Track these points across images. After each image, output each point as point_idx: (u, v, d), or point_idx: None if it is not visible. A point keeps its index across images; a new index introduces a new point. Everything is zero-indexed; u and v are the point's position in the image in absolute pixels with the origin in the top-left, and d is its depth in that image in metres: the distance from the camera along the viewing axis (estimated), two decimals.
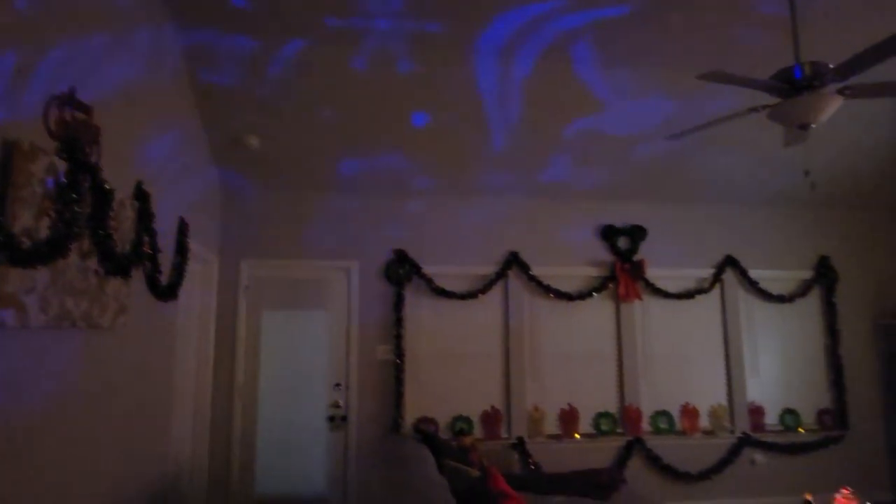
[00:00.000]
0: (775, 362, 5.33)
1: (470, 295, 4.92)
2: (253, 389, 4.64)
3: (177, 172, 3.63)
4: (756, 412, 5.18)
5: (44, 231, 1.96)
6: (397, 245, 4.92)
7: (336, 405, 4.70)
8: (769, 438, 5.11)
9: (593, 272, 5.16)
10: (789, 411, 5.23)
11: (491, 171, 4.80)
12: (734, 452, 5.04)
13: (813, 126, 2.48)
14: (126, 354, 2.84)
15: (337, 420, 4.68)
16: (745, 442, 5.06)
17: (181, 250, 3.46)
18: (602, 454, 4.89)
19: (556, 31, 3.48)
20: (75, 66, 2.27)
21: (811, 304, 5.43)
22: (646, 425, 5.04)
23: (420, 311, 4.91)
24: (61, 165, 2.06)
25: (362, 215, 4.94)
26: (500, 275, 5.00)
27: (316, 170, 4.65)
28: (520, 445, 4.80)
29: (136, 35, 2.89)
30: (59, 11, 2.18)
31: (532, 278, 5.03)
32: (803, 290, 5.39)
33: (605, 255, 5.19)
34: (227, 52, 3.51)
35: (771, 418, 5.21)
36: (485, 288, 4.95)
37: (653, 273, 5.15)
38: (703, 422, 5.11)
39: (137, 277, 2.87)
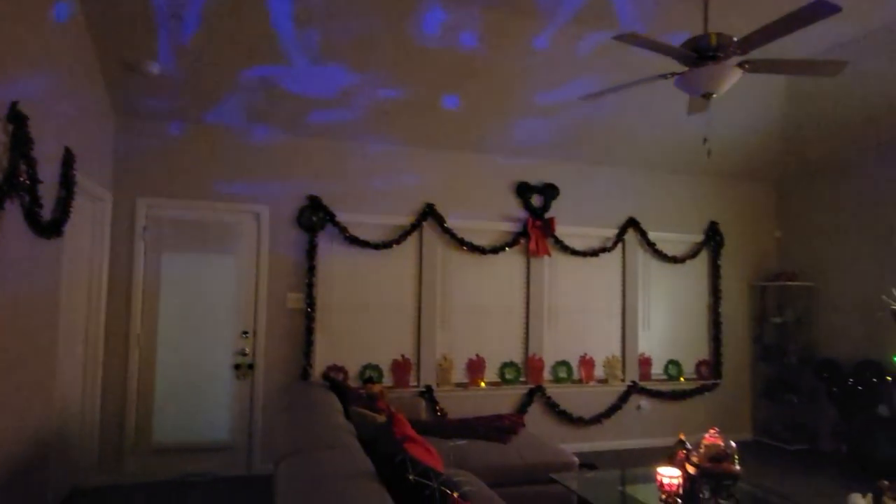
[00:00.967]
0: (664, 318, 5.79)
1: (384, 245, 4.89)
2: (151, 336, 4.41)
3: (63, 98, 3.27)
4: (645, 363, 5.64)
5: None
6: (311, 191, 4.77)
7: (243, 353, 4.59)
8: (654, 386, 5.60)
9: (506, 227, 5.29)
10: (673, 362, 5.74)
11: (410, 121, 4.72)
12: (623, 399, 5.48)
13: (714, 96, 2.63)
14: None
15: (244, 368, 4.58)
16: (633, 389, 5.52)
17: (67, 183, 3.16)
18: (506, 401, 5.15)
19: None
20: None
21: (699, 265, 5.91)
22: (547, 374, 5.35)
23: (333, 259, 4.83)
24: None
25: (275, 158, 4.72)
26: (416, 226, 5.01)
27: (224, 105, 4.35)
28: (428, 393, 4.94)
29: None
30: None
31: (447, 230, 5.08)
32: (694, 253, 5.85)
33: (518, 212, 5.33)
34: None
35: (657, 368, 5.70)
36: (400, 238, 4.94)
37: (562, 231, 5.36)
38: (599, 371, 5.50)
39: (14, 211, 2.59)
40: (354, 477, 1.78)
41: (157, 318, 4.43)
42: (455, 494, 1.75)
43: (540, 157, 5.37)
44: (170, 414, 4.42)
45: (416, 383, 4.98)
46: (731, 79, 2.54)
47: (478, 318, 5.22)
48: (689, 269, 5.86)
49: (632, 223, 5.64)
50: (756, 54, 2.73)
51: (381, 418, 2.93)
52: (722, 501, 2.69)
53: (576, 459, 3.77)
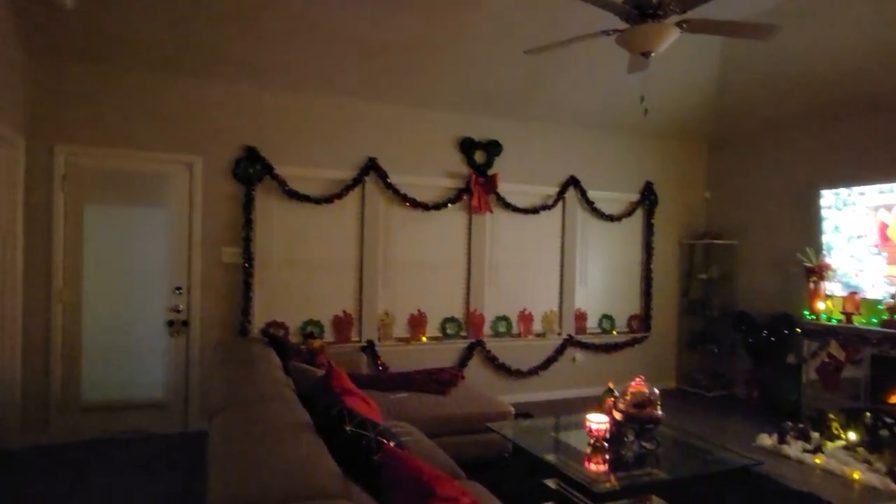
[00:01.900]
0: (600, 274, 6.01)
1: (326, 199, 4.79)
2: (76, 292, 4.19)
3: None
4: (580, 317, 5.86)
5: None
6: (248, 142, 4.57)
7: (177, 309, 4.44)
8: (589, 340, 5.85)
9: (449, 183, 5.27)
10: (607, 316, 6.00)
11: (354, 72, 4.56)
12: (559, 352, 5.71)
13: (653, 55, 2.67)
14: None
15: (177, 325, 4.44)
16: (569, 343, 5.74)
17: None
18: (447, 355, 5.26)
19: None
20: None
21: (634, 223, 6.13)
22: (487, 329, 5.48)
23: (271, 213, 4.69)
24: None
25: (209, 106, 4.47)
26: (358, 180, 4.91)
27: (152, 44, 4.05)
28: (370, 348, 4.97)
29: None
30: None
31: (390, 186, 5.01)
32: (630, 211, 6.05)
33: (461, 168, 5.32)
34: None
35: (592, 322, 5.94)
36: (341, 193, 4.84)
37: (504, 188, 5.40)
38: (537, 326, 5.68)
39: None
40: (291, 429, 1.78)
41: (81, 273, 4.20)
42: (391, 444, 1.79)
43: (484, 112, 5.33)
44: (99, 372, 4.25)
45: (358, 339, 4.99)
46: (669, 38, 2.58)
47: (420, 274, 5.24)
48: (624, 227, 6.07)
49: (572, 182, 5.74)
50: (694, 15, 2.77)
51: (321, 372, 2.93)
52: (644, 444, 2.87)
53: (512, 409, 3.92)
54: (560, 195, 5.69)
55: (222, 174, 4.52)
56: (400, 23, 4.09)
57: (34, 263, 4.03)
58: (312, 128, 4.79)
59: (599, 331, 5.96)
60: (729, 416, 5.23)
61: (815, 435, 4.28)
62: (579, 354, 5.82)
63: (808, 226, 5.18)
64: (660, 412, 2.86)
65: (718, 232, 6.15)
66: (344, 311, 4.94)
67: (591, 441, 2.86)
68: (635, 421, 2.87)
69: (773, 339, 5.37)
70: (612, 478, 2.66)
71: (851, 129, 5.01)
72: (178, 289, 4.45)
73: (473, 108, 5.24)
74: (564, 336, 5.74)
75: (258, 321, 4.63)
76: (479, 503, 1.37)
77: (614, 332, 6.00)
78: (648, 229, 6.14)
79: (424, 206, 5.14)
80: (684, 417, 5.11)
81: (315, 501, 1.22)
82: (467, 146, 5.28)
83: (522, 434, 3.32)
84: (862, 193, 4.68)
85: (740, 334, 5.73)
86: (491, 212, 5.38)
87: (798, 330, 5.06)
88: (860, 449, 4.05)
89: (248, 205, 4.55)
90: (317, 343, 4.05)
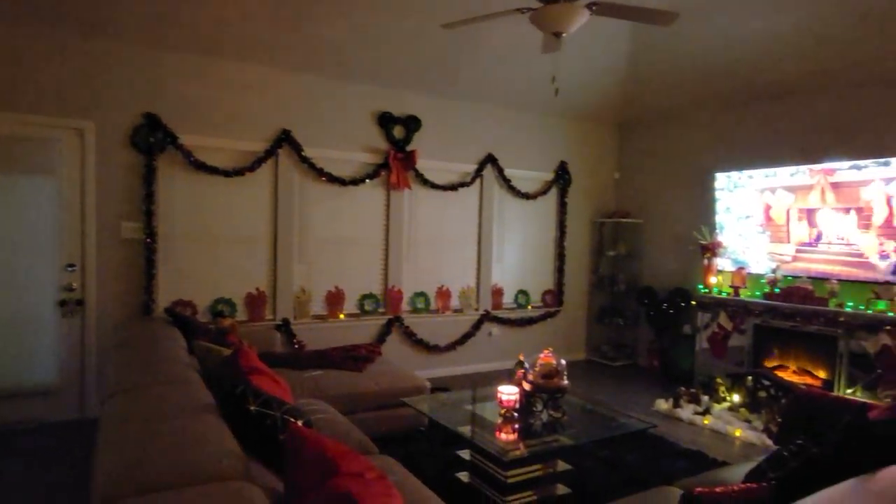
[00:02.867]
0: (516, 251, 6.17)
1: (236, 172, 4.57)
2: None
3: None
4: (497, 293, 6.01)
5: None
6: (148, 108, 4.26)
7: (69, 288, 4.11)
8: (505, 315, 6.01)
9: (367, 159, 5.19)
10: (522, 292, 6.19)
11: (266, 39, 4.33)
12: (476, 327, 5.83)
13: (564, 35, 2.73)
14: None
15: (70, 304, 4.11)
16: (485, 318, 5.88)
17: None
18: (365, 332, 5.23)
19: None
20: None
21: (549, 202, 6.32)
22: (406, 305, 5.49)
23: (176, 185, 4.42)
24: None
25: (101, 66, 4.10)
26: (271, 153, 4.72)
27: None
28: (285, 326, 4.85)
29: None
30: None
31: (305, 159, 4.86)
32: (544, 190, 6.23)
33: (379, 143, 5.24)
34: None
35: (508, 298, 6.11)
36: (253, 166, 4.64)
37: (423, 164, 5.38)
38: (455, 302, 5.76)
39: None
40: (190, 411, 1.71)
41: None
42: (298, 422, 1.76)
43: (403, 87, 5.26)
44: None
45: (272, 317, 4.86)
46: (579, 19, 2.65)
47: (337, 250, 5.15)
48: (539, 206, 6.25)
49: (490, 160, 5.82)
50: None
51: (228, 352, 2.82)
52: (551, 412, 3.01)
53: (428, 384, 3.98)
54: (478, 173, 5.76)
55: (119, 142, 4.19)
56: None
57: None
58: (221, 96, 4.53)
59: (515, 306, 6.15)
60: (632, 384, 5.58)
61: (705, 398, 4.67)
62: (496, 329, 5.98)
63: (704, 206, 5.56)
64: (566, 382, 3.00)
65: (626, 211, 6.48)
66: (257, 289, 4.78)
67: (502, 412, 2.96)
68: (543, 391, 3.00)
69: (671, 311, 5.77)
70: (522, 446, 2.77)
71: (743, 117, 5.40)
72: (71, 266, 4.11)
73: (392, 82, 5.16)
74: (481, 311, 5.87)
75: (163, 300, 4.38)
76: (385, 476, 1.38)
77: (529, 307, 6.20)
78: (562, 208, 6.36)
79: (342, 181, 5.03)
80: (592, 386, 5.41)
81: (211, 483, 1.18)
82: (386, 121, 5.21)
83: (438, 408, 3.38)
84: (750, 177, 5.07)
85: (644, 308, 6.11)
86: (409, 188, 5.36)
87: (693, 303, 5.46)
88: (742, 409, 4.47)
89: (149, 176, 4.26)
90: (227, 322, 3.90)
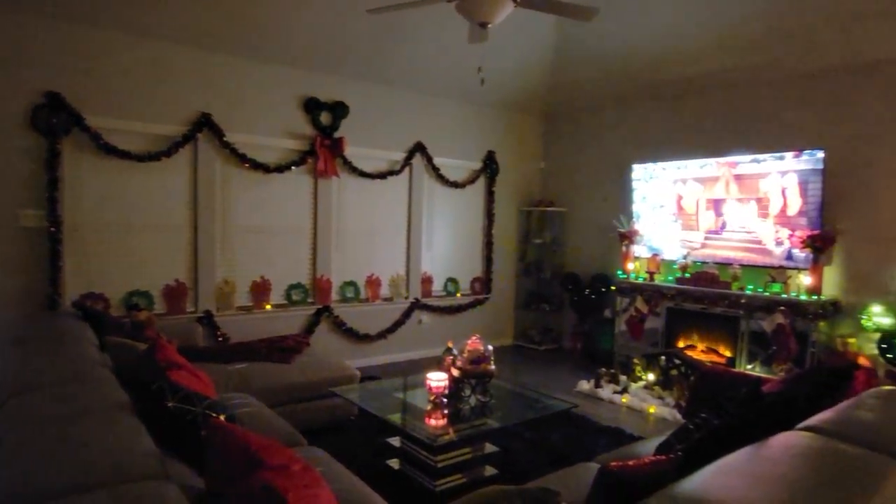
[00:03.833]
0: (445, 239, 6.23)
1: (151, 157, 4.32)
2: None
3: None
4: (427, 281, 6.05)
5: None
6: (50, 87, 3.93)
7: None
8: (435, 302, 6.07)
9: (293, 145, 5.05)
10: (452, 279, 6.27)
11: (181, 16, 4.10)
12: (407, 315, 5.85)
13: (490, 26, 2.76)
14: None
15: None
16: (416, 306, 5.91)
17: None
18: (293, 322, 5.12)
19: None
20: None
21: (477, 190, 6.42)
22: (335, 294, 5.42)
23: (84, 171, 4.13)
24: None
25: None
26: (189, 137, 4.49)
27: None
28: (208, 319, 4.66)
29: None
30: None
31: (226, 144, 4.66)
32: (473, 179, 6.31)
33: (306, 129, 5.11)
34: None
35: (437, 286, 6.17)
36: (170, 150, 4.40)
37: (351, 151, 5.31)
38: (385, 290, 5.75)
39: None
40: (102, 411, 1.62)
41: None
42: (221, 417, 1.71)
43: (330, 72, 5.15)
44: None
45: (193, 309, 4.66)
46: (503, 9, 2.69)
47: (263, 239, 5.00)
48: (468, 194, 6.33)
49: (419, 148, 5.82)
50: None
51: (144, 347, 2.69)
52: (478, 396, 3.09)
53: (358, 373, 3.97)
54: (407, 161, 5.75)
55: (16, 124, 3.85)
56: None
57: None
58: (134, 76, 4.25)
59: (445, 293, 6.21)
60: (556, 367, 5.80)
61: (623, 378, 4.94)
62: (426, 317, 6.02)
63: (623, 195, 5.83)
64: (493, 367, 3.08)
65: (552, 200, 6.68)
66: (177, 280, 4.56)
67: (432, 398, 3.01)
68: (472, 376, 3.07)
69: (593, 296, 6.03)
70: (451, 430, 2.82)
71: (658, 111, 5.69)
72: None
73: (319, 66, 5.03)
74: (411, 299, 5.90)
75: (72, 292, 4.10)
76: (311, 468, 1.37)
77: (459, 295, 6.29)
78: (490, 196, 6.47)
79: (266, 168, 4.87)
80: (519, 370, 5.58)
81: (124, 485, 1.13)
82: (312, 106, 5.08)
83: (368, 397, 3.38)
84: (664, 168, 5.37)
85: (568, 293, 6.35)
86: (338, 176, 5.27)
87: (613, 288, 5.74)
88: (656, 387, 4.76)
89: (52, 161, 3.94)
90: (143, 315, 3.70)
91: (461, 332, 6.05)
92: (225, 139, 4.64)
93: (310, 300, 5.26)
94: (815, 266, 4.34)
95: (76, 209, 4.11)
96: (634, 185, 5.62)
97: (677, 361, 4.67)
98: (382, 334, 5.69)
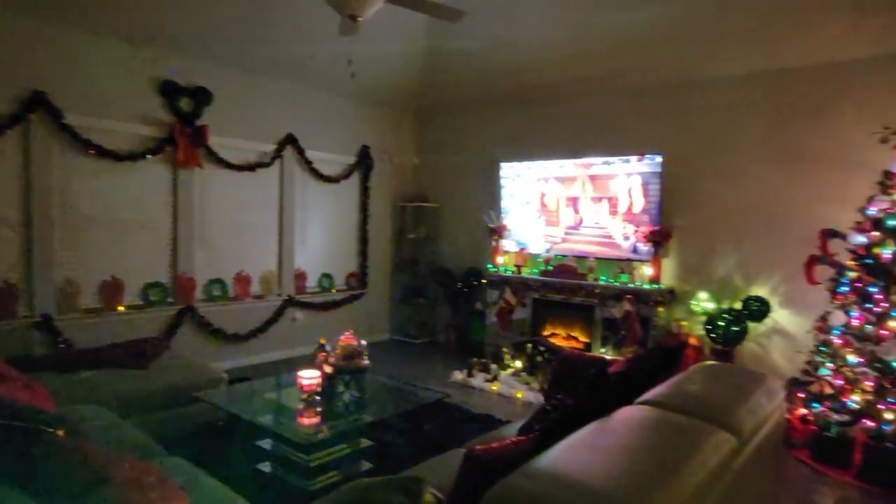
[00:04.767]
0: (320, 234, 6.10)
1: None
2: None
3: None
4: (300, 277, 5.88)
5: None
6: None
7: None
8: (309, 299, 5.92)
9: (148, 132, 4.64)
10: (326, 275, 6.16)
11: None
12: (279, 312, 5.65)
13: (360, 19, 2.75)
14: None
15: None
16: (288, 303, 5.73)
17: None
18: (151, 325, 4.72)
19: None
20: None
21: (351, 185, 6.35)
22: (199, 293, 5.08)
23: None
24: None
25: None
26: (20, 117, 3.95)
27: None
28: (46, 324, 4.15)
29: None
30: None
31: (65, 127, 4.16)
32: (347, 174, 6.24)
33: (162, 115, 4.72)
34: None
35: (312, 282, 6.02)
36: None
37: (216, 141, 5.00)
38: (255, 287, 5.50)
39: None
40: None
41: None
42: (59, 432, 1.54)
43: (191, 55, 4.80)
44: None
45: (28, 313, 4.12)
46: (373, 4, 2.68)
47: (114, 233, 4.55)
48: (342, 189, 6.24)
49: (290, 140, 5.63)
50: None
51: None
52: (353, 392, 3.08)
53: (225, 375, 3.77)
54: (278, 153, 5.53)
55: None
56: None
57: None
58: None
59: (319, 289, 6.09)
60: (432, 359, 5.94)
61: (494, 367, 5.18)
62: (300, 314, 5.85)
63: (492, 192, 6.09)
64: (367, 362, 3.09)
65: (425, 195, 6.80)
66: (5, 281, 4.00)
67: (304, 396, 2.94)
68: (345, 372, 3.05)
69: (466, 290, 6.25)
70: (324, 428, 2.79)
71: (524, 113, 6.02)
72: None
73: (178, 48, 4.66)
74: (284, 296, 5.70)
75: None
76: (166, 479, 1.29)
77: (334, 290, 6.19)
78: (365, 191, 6.44)
79: (115, 156, 4.43)
80: (395, 364, 5.63)
81: None
82: (170, 90, 4.70)
83: (234, 399, 3.23)
84: (529, 168, 5.70)
85: (441, 287, 6.52)
86: (201, 167, 4.94)
87: (483, 281, 6.00)
88: (523, 374, 5.06)
89: None
90: None
91: (337, 328, 5.90)
92: (64, 122, 4.14)
93: (170, 300, 4.89)
94: (656, 258, 4.88)
95: None
96: (503, 182, 5.90)
97: (542, 348, 5.01)
98: (253, 333, 5.44)
